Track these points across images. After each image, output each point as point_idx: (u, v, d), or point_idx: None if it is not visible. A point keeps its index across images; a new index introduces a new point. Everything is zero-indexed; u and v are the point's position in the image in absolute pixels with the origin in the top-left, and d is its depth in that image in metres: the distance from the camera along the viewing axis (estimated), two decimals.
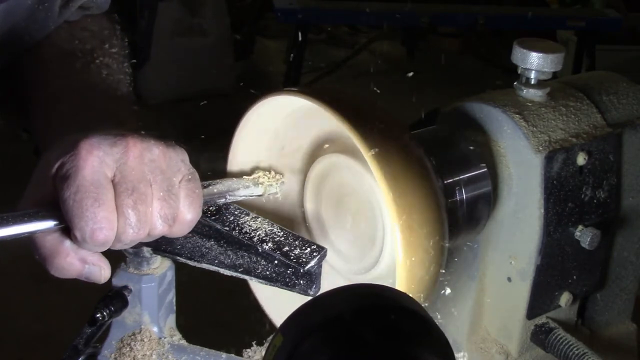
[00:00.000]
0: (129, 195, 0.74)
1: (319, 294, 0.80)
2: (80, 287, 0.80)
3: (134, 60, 1.15)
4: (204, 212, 0.85)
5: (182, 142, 0.82)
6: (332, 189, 0.91)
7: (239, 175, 0.93)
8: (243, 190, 0.88)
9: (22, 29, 1.06)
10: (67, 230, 0.74)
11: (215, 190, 0.85)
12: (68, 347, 0.90)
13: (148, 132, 0.83)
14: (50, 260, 0.76)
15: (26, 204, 0.76)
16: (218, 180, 0.87)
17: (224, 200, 0.86)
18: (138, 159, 0.76)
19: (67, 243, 0.76)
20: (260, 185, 0.91)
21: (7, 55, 1.09)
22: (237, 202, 0.88)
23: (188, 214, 0.78)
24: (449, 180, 0.89)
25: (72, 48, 1.09)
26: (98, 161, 0.74)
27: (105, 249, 0.76)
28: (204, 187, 0.83)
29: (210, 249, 0.85)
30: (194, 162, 0.81)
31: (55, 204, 0.74)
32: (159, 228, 0.76)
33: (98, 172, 0.74)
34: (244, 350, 0.94)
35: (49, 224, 0.74)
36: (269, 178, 0.92)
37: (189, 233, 0.85)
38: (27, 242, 0.77)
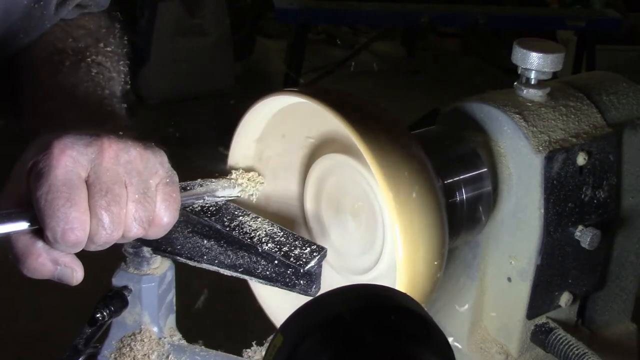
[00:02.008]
0: (102, 197, 0.73)
1: (319, 294, 0.80)
2: (80, 287, 0.80)
3: (129, 61, 1.14)
4: (204, 212, 0.85)
5: (165, 144, 0.81)
6: (333, 189, 0.91)
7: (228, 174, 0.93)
8: (221, 192, 0.88)
9: (19, 28, 1.06)
10: (40, 231, 0.73)
11: (193, 192, 0.84)
12: (68, 347, 0.90)
13: (127, 132, 0.82)
14: (23, 260, 0.75)
15: (3, 203, 0.76)
16: (197, 182, 0.86)
17: (202, 201, 0.85)
18: (113, 160, 0.75)
19: (40, 244, 0.75)
20: (238, 187, 0.91)
21: (4, 54, 1.08)
22: (237, 203, 0.88)
23: (164, 217, 0.77)
24: (449, 180, 0.89)
25: (64, 46, 1.08)
26: (71, 161, 0.73)
27: (78, 250, 0.75)
28: (182, 188, 0.82)
29: (210, 249, 0.85)
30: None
31: (30, 204, 0.73)
32: (134, 230, 0.75)
33: (71, 172, 0.73)
34: (244, 350, 0.94)
35: (22, 225, 0.73)
36: (248, 179, 0.92)
37: (189, 233, 0.85)
38: None
